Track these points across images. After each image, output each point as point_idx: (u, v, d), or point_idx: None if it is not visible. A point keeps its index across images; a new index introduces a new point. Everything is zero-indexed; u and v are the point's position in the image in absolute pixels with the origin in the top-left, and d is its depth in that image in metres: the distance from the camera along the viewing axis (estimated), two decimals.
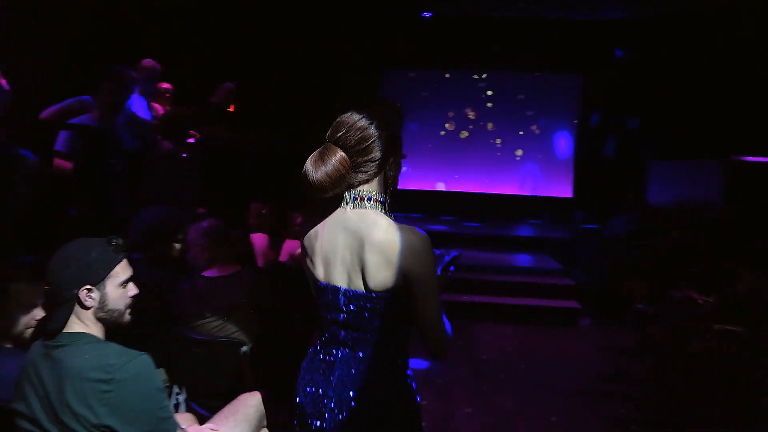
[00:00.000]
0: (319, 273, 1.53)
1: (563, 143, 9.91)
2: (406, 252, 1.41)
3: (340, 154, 1.43)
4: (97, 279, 1.61)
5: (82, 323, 1.60)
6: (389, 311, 1.45)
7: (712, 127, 7.21)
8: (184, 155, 4.24)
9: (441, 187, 9.97)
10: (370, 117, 1.47)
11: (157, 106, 5.00)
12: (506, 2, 8.44)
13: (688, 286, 4.20)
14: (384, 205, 1.51)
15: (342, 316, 1.49)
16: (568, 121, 9.90)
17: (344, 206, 1.49)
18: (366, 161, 1.46)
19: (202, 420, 2.07)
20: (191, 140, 4.55)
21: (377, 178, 1.50)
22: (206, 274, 2.71)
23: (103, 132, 3.77)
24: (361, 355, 1.49)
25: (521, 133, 9.98)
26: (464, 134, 10.01)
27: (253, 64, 7.77)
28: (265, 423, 2.08)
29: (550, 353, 4.97)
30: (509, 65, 9.79)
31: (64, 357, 1.54)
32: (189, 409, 2.39)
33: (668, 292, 4.50)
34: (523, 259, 7.14)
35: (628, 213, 6.88)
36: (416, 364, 4.23)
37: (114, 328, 1.67)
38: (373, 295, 1.44)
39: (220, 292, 2.62)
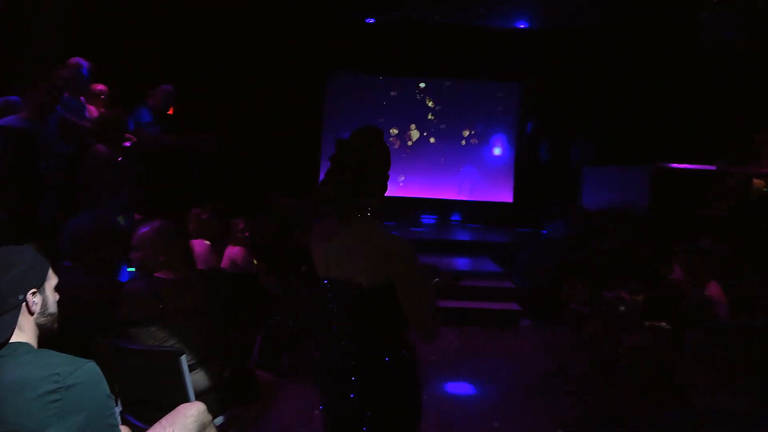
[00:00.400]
0: (321, 270, 1.87)
1: (503, 150, 10.20)
2: (390, 256, 1.73)
3: (346, 174, 1.74)
4: (40, 282, 1.58)
5: (21, 332, 1.54)
6: (374, 303, 1.76)
7: (643, 134, 7.60)
8: (119, 159, 4.11)
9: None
10: (364, 142, 1.79)
11: (91, 108, 4.82)
12: (446, 10, 8.62)
13: (619, 286, 4.39)
14: (376, 215, 1.81)
15: (334, 304, 1.83)
16: (508, 128, 10.20)
17: (345, 216, 1.79)
18: (363, 179, 1.77)
19: None
20: (127, 143, 4.41)
21: (371, 191, 1.80)
22: (159, 275, 2.63)
23: (32, 133, 3.60)
24: (351, 337, 1.80)
25: (462, 143, 10.20)
26: (410, 143, 10.17)
27: (194, 67, 7.61)
28: None
29: (492, 353, 5.09)
30: (451, 72, 10.00)
31: (3, 370, 1.46)
32: (124, 422, 2.31)
33: (602, 293, 4.70)
34: (464, 263, 7.27)
35: (566, 217, 7.15)
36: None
37: (47, 335, 1.61)
38: (362, 288, 1.74)
39: (175, 294, 2.55)
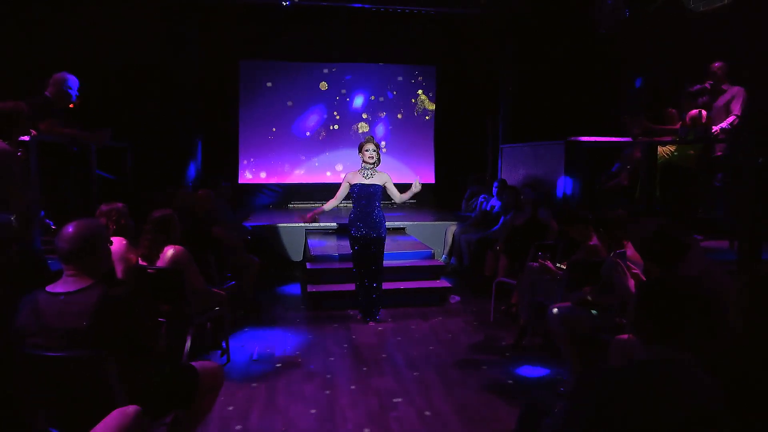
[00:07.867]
0: (357, 182, 5.35)
1: (422, 133, 10.31)
2: (385, 177, 5.43)
3: (376, 155, 5.41)
4: None
5: None
6: (379, 194, 5.37)
7: (554, 112, 7.91)
8: (19, 154, 3.75)
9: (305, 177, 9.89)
10: (377, 146, 5.45)
11: None
12: None
13: (544, 257, 4.56)
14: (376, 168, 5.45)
15: (363, 198, 5.33)
16: (426, 111, 10.32)
17: (372, 166, 5.42)
18: (378, 155, 5.43)
19: None
20: (26, 137, 4.03)
21: (379, 162, 5.46)
22: (50, 288, 2.22)
23: None
24: (372, 209, 5.34)
25: (382, 127, 10.21)
26: (334, 127, 10.06)
27: (97, 54, 7.04)
28: None
29: (425, 331, 5.15)
30: (365, 57, 9.97)
31: None
32: None
33: (527, 264, 4.87)
34: (393, 245, 7.28)
35: (485, 194, 7.34)
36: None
37: None
38: (376, 188, 5.35)
39: (58, 313, 2.13)
